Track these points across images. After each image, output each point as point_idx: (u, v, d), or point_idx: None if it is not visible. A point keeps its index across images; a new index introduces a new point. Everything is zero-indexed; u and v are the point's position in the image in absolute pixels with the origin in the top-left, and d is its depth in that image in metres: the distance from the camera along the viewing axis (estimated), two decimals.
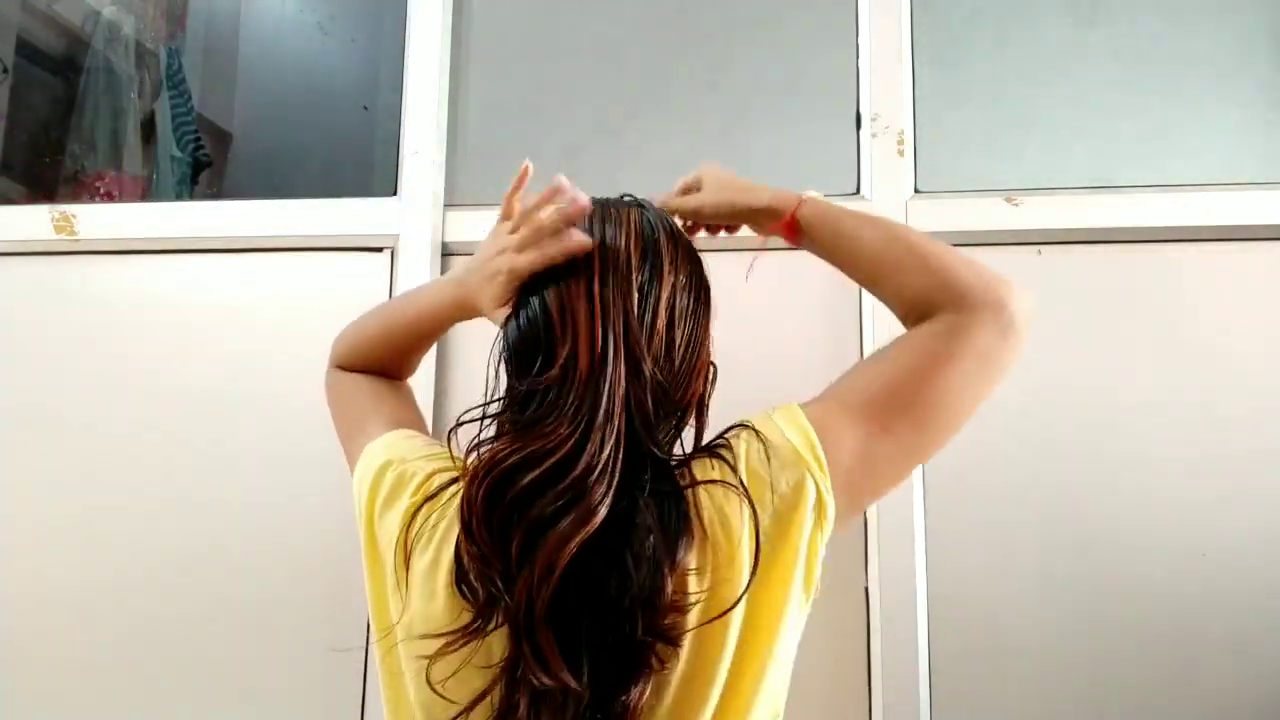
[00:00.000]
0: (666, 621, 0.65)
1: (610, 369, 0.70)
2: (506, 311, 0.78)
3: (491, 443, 0.72)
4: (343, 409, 0.95)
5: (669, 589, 0.65)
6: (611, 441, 0.68)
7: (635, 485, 0.68)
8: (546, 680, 0.63)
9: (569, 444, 0.67)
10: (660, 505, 0.68)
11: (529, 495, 0.66)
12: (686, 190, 0.95)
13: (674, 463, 0.73)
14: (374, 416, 0.89)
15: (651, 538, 0.66)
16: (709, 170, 0.95)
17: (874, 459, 0.71)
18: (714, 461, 0.71)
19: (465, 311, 0.86)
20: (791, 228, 0.87)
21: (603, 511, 0.65)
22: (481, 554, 0.66)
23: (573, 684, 0.63)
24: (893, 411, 0.71)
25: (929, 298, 0.74)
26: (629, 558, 0.65)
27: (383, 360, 0.96)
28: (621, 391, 0.70)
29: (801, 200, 0.86)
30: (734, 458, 0.71)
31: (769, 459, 0.70)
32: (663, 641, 0.65)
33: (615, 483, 0.67)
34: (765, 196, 0.89)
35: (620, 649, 0.64)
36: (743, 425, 0.74)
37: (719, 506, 0.69)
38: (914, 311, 0.76)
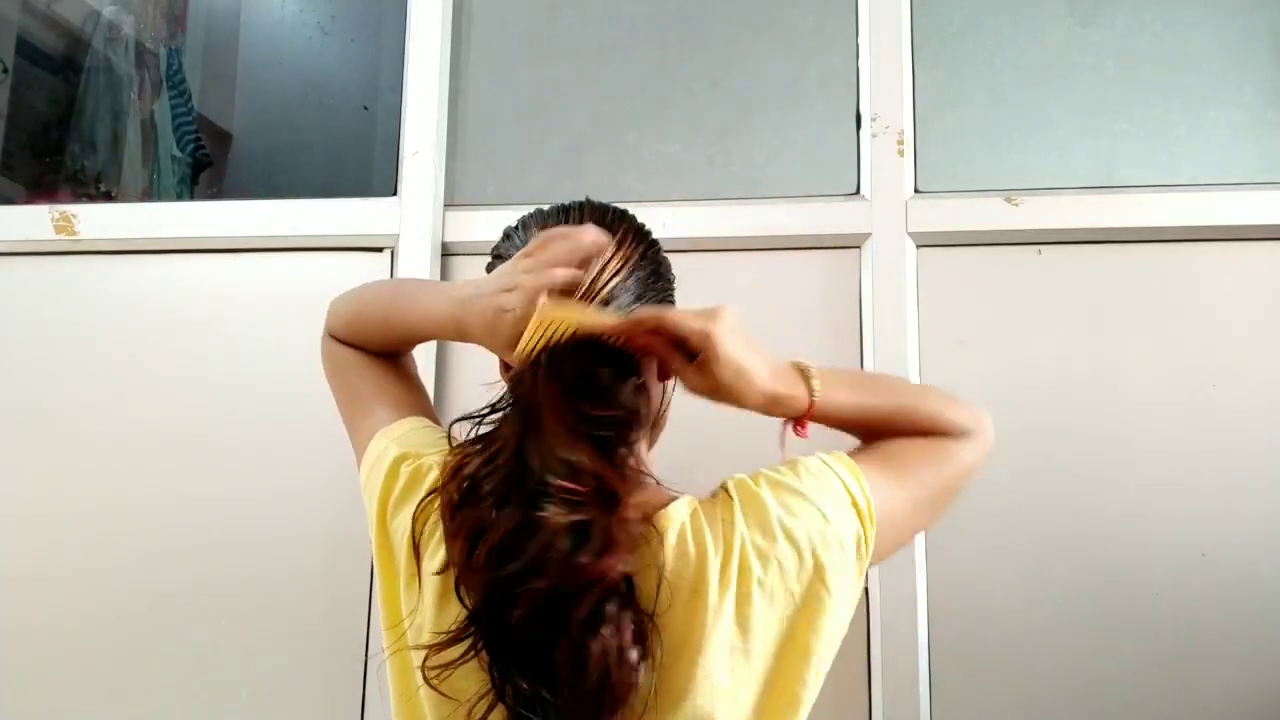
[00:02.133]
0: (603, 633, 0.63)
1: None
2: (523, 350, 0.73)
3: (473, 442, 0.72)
4: (344, 386, 0.91)
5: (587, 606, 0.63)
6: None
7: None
8: (524, 686, 0.63)
9: (513, 449, 0.68)
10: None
11: (485, 502, 0.66)
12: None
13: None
14: (380, 400, 0.86)
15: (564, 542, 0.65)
16: (725, 329, 0.73)
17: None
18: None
19: (461, 337, 0.79)
20: (802, 424, 0.82)
21: (548, 519, 0.65)
22: (458, 559, 0.67)
23: (544, 693, 0.63)
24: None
25: (944, 433, 0.83)
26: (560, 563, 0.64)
27: (382, 348, 0.91)
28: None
29: (812, 402, 0.78)
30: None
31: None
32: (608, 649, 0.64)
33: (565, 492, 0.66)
34: (758, 395, 0.75)
35: (577, 658, 0.63)
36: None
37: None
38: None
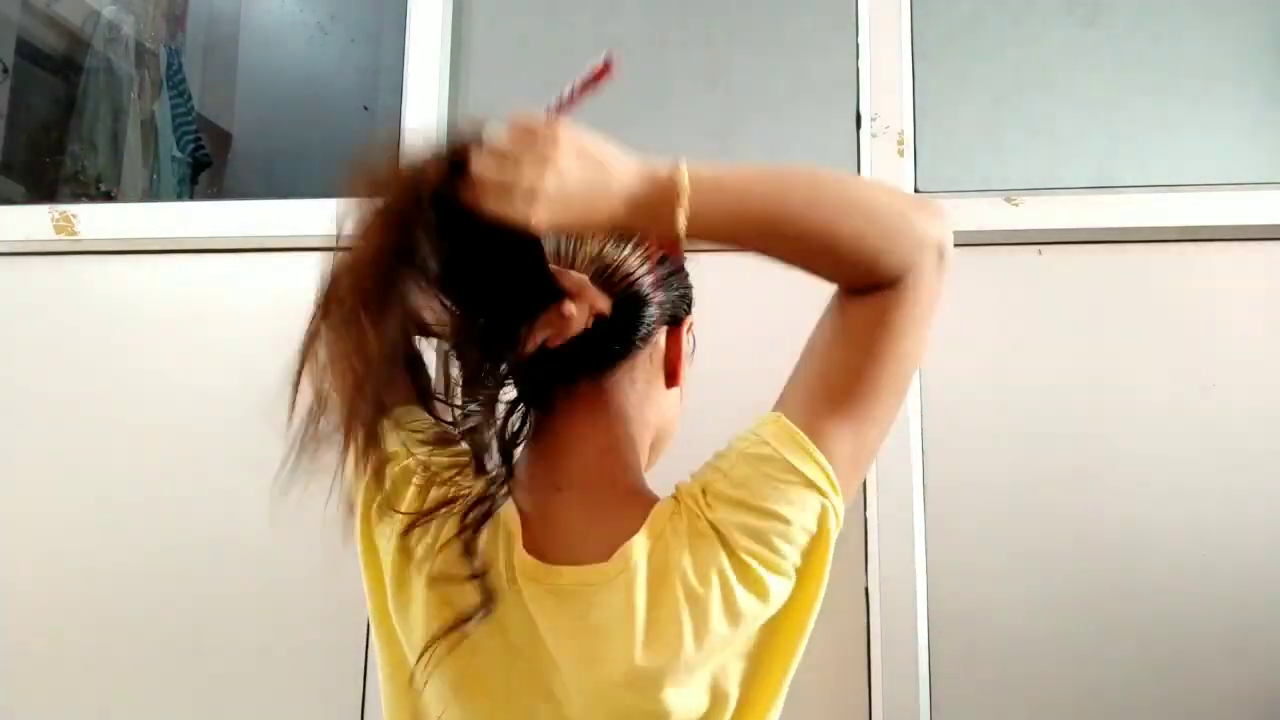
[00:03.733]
0: None
1: None
2: None
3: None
4: None
5: None
6: None
7: None
8: None
9: None
10: None
11: None
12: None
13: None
14: None
15: None
16: (562, 154, 0.60)
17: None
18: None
19: None
20: (672, 245, 0.67)
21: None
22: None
23: None
24: (874, 401, 0.68)
25: (879, 273, 0.65)
26: None
27: None
28: None
29: (677, 212, 0.61)
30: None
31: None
32: None
33: None
34: (617, 206, 0.61)
35: None
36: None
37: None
38: (860, 286, 0.68)
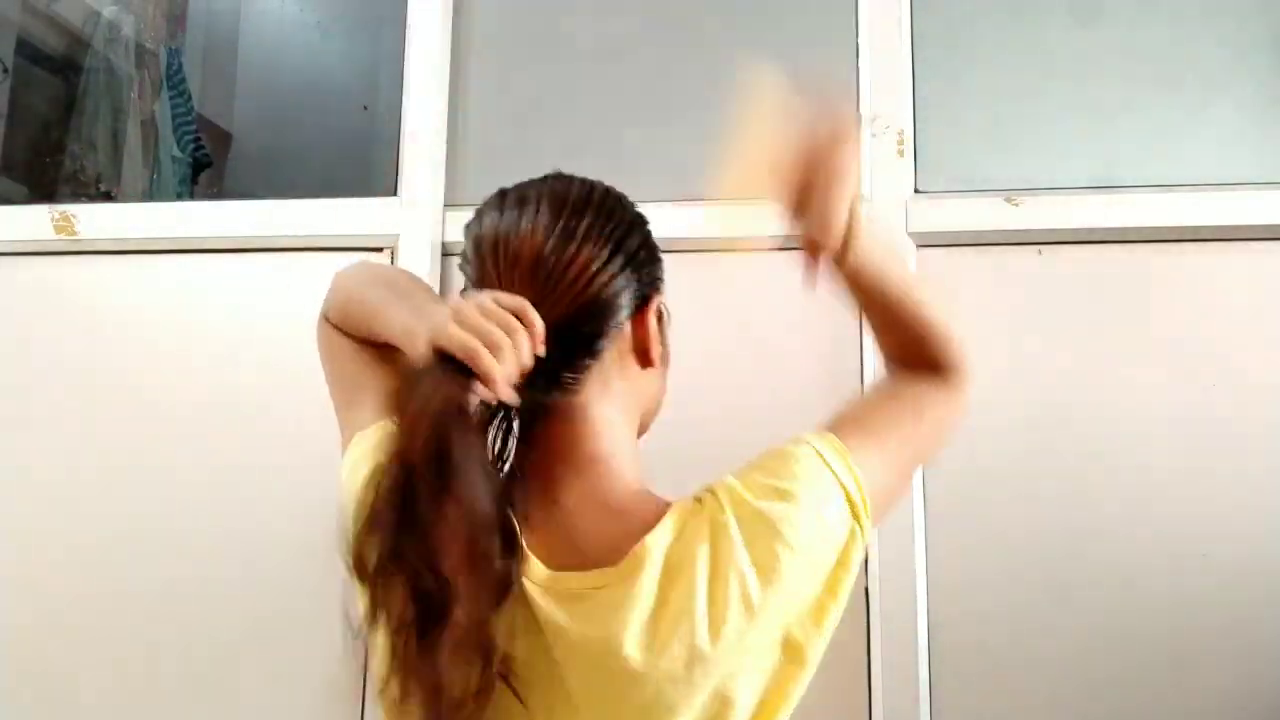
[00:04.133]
0: None
1: None
2: None
3: None
4: (333, 371, 0.85)
5: None
6: None
7: None
8: None
9: None
10: None
11: None
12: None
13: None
14: (368, 395, 0.80)
15: None
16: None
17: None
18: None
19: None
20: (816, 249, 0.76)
21: None
22: None
23: None
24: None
25: (933, 363, 0.81)
26: None
27: (370, 342, 0.83)
28: None
29: (849, 243, 0.74)
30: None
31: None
32: None
33: None
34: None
35: None
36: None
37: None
38: (908, 365, 0.83)
